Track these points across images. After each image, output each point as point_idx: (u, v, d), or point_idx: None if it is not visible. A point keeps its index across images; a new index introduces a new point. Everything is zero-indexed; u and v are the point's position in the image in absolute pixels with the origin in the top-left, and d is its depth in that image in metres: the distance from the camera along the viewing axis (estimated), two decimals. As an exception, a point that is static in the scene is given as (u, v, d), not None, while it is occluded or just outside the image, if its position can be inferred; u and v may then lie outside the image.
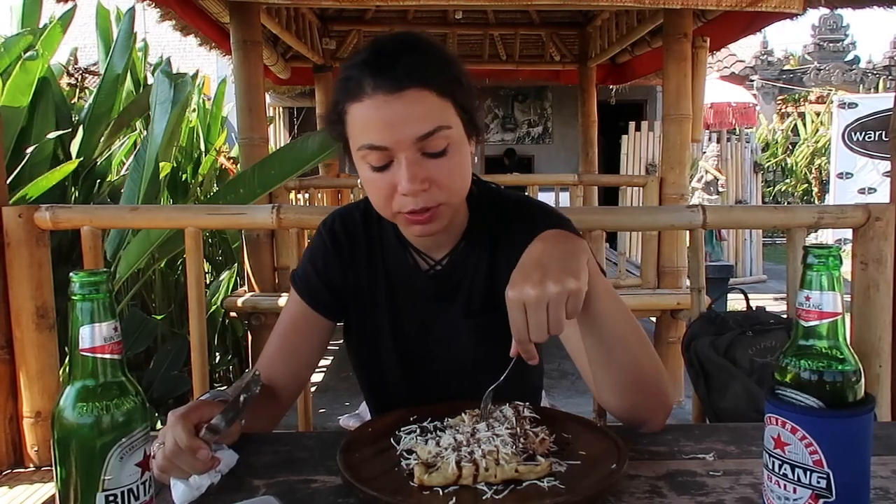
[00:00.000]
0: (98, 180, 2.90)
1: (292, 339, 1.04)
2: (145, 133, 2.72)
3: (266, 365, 1.02)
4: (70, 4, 2.69)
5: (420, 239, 1.03)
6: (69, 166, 2.29)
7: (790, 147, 10.73)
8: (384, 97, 0.86)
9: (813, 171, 10.30)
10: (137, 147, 3.28)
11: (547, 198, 4.50)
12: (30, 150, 2.34)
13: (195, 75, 3.85)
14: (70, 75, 3.56)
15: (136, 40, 3.17)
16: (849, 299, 1.33)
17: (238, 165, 3.50)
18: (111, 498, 0.60)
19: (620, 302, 0.88)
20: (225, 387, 1.15)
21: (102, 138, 2.77)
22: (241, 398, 0.79)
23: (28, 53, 2.35)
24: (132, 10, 2.90)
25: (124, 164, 3.34)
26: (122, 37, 2.78)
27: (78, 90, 3.57)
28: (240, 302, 3.12)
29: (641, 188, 3.77)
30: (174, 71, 2.99)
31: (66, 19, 2.65)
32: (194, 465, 0.74)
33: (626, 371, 0.88)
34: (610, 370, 0.88)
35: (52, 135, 2.41)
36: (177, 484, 0.75)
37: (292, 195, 4.00)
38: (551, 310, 0.76)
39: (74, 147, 2.69)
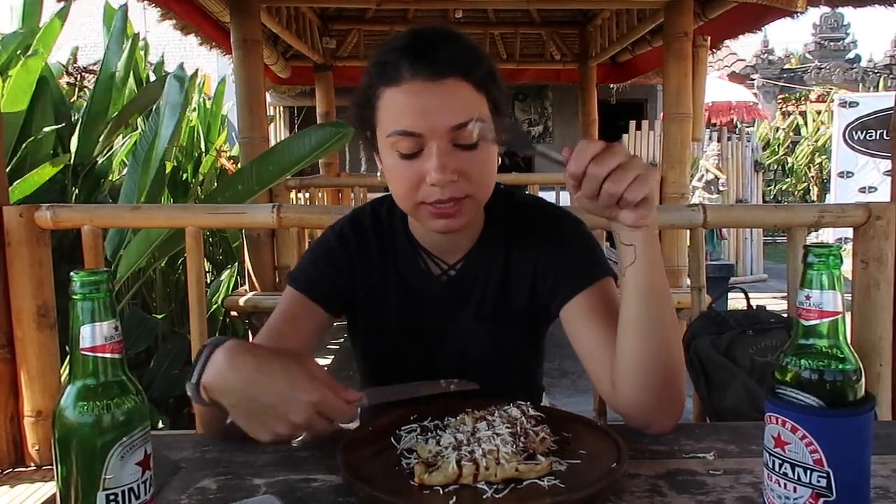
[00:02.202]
0: (101, 179, 2.91)
1: (283, 332, 0.98)
2: (144, 131, 2.72)
3: None
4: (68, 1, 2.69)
5: (435, 241, 1.02)
6: (61, 161, 2.28)
7: (791, 146, 10.73)
8: (423, 83, 0.86)
9: (812, 169, 10.30)
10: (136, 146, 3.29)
11: (547, 197, 4.48)
12: (24, 145, 2.33)
13: (194, 74, 3.84)
14: (69, 74, 3.56)
15: (138, 39, 3.16)
16: (849, 298, 1.33)
17: (238, 165, 3.50)
18: (112, 497, 0.61)
19: (666, 281, 0.87)
20: None
21: (101, 136, 2.77)
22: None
23: (29, 52, 2.35)
24: (125, 6, 2.90)
25: (126, 163, 3.34)
26: (116, 34, 2.78)
27: (77, 89, 3.57)
28: (240, 301, 3.12)
29: (642, 187, 3.76)
30: (173, 71, 3.00)
31: (62, 14, 2.65)
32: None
33: (658, 356, 0.85)
34: (643, 353, 0.85)
35: (47, 128, 2.41)
36: None
37: (293, 194, 4.00)
38: (615, 174, 0.73)
39: (73, 145, 2.70)
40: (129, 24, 3.50)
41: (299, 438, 0.77)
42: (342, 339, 4.23)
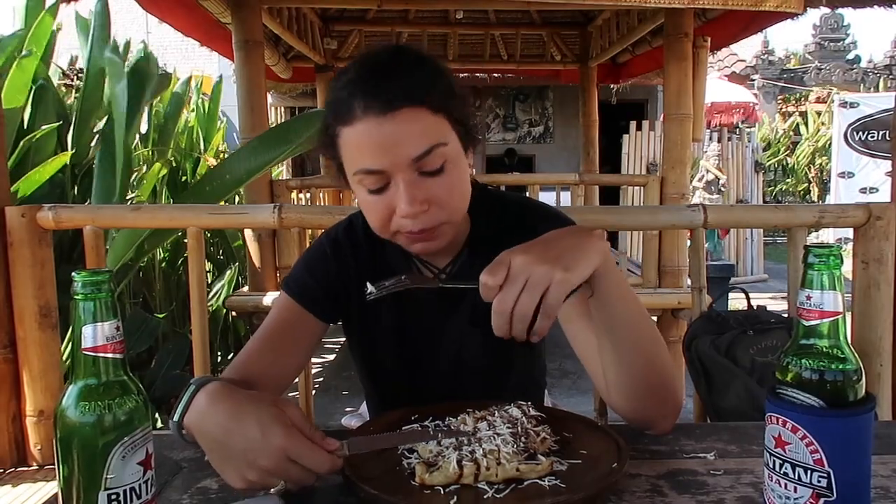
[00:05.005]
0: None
1: (278, 339, 0.99)
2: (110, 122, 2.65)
3: (243, 363, 0.96)
4: (72, 6, 2.68)
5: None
6: (61, 159, 2.26)
7: (791, 146, 10.73)
8: (376, 119, 0.83)
9: (813, 170, 10.31)
10: (134, 144, 3.27)
11: (548, 197, 4.50)
12: (24, 144, 2.32)
13: (166, 74, 3.79)
14: (66, 76, 3.57)
15: (129, 46, 3.12)
16: (849, 298, 1.33)
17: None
18: (113, 496, 0.61)
19: (639, 306, 0.85)
20: None
21: (96, 137, 2.76)
22: None
23: (23, 52, 2.34)
24: (104, 1, 2.87)
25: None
26: (98, 29, 2.74)
27: (74, 91, 3.58)
28: (242, 301, 3.13)
29: (642, 187, 3.77)
30: (172, 70, 2.99)
31: (53, 10, 2.63)
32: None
33: (641, 375, 0.86)
34: (624, 373, 0.86)
35: (45, 126, 2.40)
36: None
37: (294, 195, 4.01)
38: (526, 290, 0.71)
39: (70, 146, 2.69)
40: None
41: (277, 487, 0.73)
42: (343, 339, 4.23)
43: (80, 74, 3.60)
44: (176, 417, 0.77)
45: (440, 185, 0.87)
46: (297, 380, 1.52)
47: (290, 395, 2.88)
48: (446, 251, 1.02)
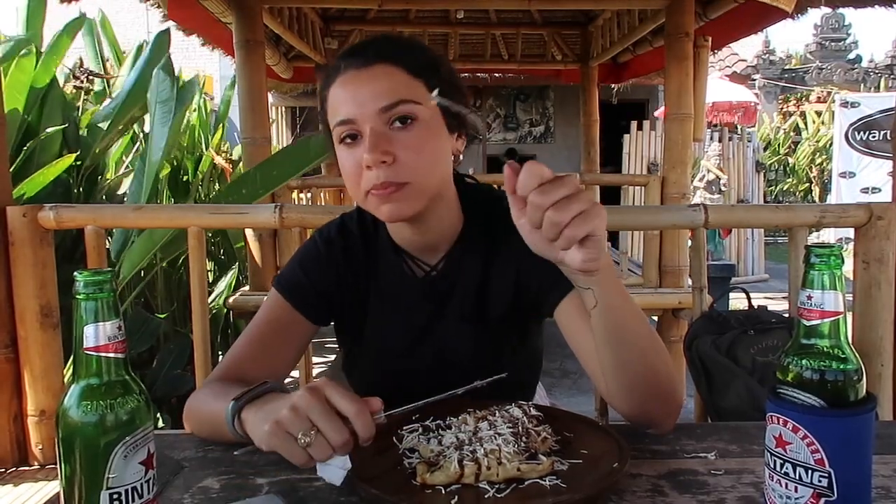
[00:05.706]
0: (98, 178, 2.91)
1: (269, 339, 0.99)
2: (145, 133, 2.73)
3: (233, 362, 0.97)
4: (73, 6, 2.69)
5: (413, 242, 1.01)
6: (66, 161, 2.28)
7: (792, 146, 10.72)
8: (353, 72, 0.90)
9: (814, 170, 10.30)
10: (137, 146, 3.29)
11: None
12: (30, 145, 2.33)
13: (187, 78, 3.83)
14: (76, 78, 3.56)
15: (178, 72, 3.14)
16: (850, 298, 1.33)
17: (241, 165, 3.50)
18: (115, 496, 0.61)
19: (639, 313, 0.85)
20: None
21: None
22: None
23: (22, 52, 2.35)
24: (167, 31, 2.91)
25: (123, 161, 3.34)
26: (154, 52, 2.75)
27: (83, 92, 3.57)
28: (242, 301, 3.13)
29: (643, 187, 3.76)
30: (175, 71, 3.00)
31: (72, 28, 2.65)
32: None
33: (641, 377, 0.86)
34: (624, 378, 0.86)
35: (50, 129, 2.41)
36: (325, 468, 0.73)
37: (294, 194, 4.01)
38: (560, 204, 0.68)
39: (83, 148, 2.70)
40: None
41: (307, 438, 0.69)
42: (344, 340, 4.22)
43: (88, 76, 3.61)
44: (242, 401, 0.78)
45: (406, 140, 0.88)
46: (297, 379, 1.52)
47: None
48: (437, 247, 1.02)
